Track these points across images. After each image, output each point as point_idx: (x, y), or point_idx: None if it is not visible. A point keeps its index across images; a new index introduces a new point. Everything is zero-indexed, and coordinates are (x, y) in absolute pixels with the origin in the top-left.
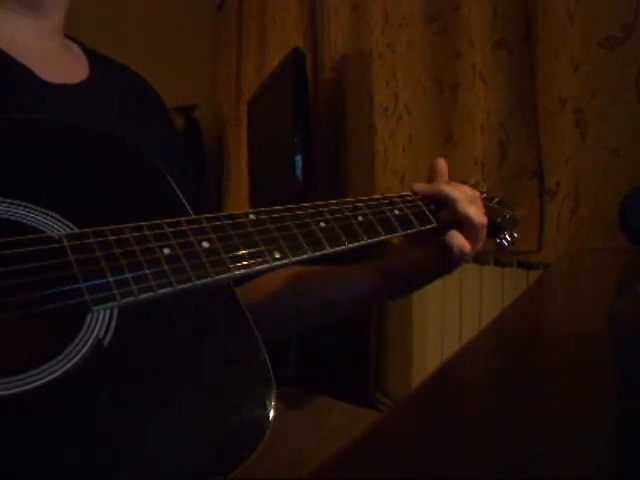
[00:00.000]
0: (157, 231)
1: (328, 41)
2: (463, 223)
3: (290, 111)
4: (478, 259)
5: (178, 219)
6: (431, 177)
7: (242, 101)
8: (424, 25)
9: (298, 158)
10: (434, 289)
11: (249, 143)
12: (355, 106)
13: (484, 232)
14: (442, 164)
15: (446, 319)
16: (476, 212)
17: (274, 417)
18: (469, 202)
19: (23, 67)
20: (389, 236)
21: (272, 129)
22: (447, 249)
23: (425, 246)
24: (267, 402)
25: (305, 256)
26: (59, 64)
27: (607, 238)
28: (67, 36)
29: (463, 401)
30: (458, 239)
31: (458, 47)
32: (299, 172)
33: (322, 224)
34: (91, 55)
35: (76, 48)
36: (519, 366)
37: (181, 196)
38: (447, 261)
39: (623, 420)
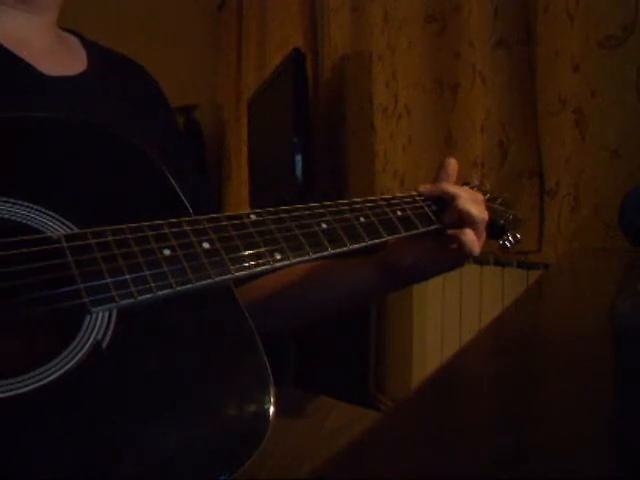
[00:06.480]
0: (157, 232)
1: (328, 41)
2: (465, 221)
3: (290, 111)
4: (478, 259)
5: (179, 219)
6: (438, 176)
7: (242, 101)
8: (424, 25)
9: (298, 158)
10: (434, 289)
11: (249, 143)
12: (355, 106)
13: (484, 230)
14: (453, 164)
15: (446, 319)
16: (478, 210)
17: (274, 417)
18: (472, 200)
19: (21, 60)
20: (391, 237)
21: (272, 129)
22: (460, 246)
23: (425, 244)
24: (267, 402)
25: (306, 257)
26: (57, 57)
27: (607, 238)
28: (64, 29)
29: (463, 401)
30: (470, 235)
31: (458, 47)
32: (299, 172)
33: (324, 225)
34: (90, 47)
35: (74, 40)
36: (519, 366)
37: (180, 194)
38: (448, 259)
39: (623, 420)
